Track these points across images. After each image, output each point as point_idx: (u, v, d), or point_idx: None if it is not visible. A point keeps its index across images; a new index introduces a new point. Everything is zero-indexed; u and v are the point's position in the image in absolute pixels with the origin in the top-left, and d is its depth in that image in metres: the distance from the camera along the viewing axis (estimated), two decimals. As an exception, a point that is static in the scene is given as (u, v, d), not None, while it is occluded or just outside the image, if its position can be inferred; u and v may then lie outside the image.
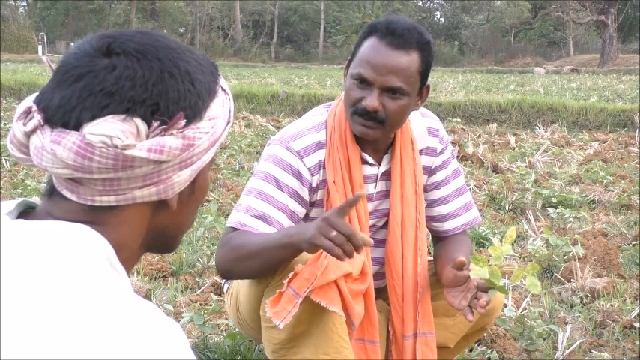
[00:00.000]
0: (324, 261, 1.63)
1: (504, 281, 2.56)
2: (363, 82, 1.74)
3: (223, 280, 2.08)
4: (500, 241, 1.68)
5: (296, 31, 55.74)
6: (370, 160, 1.88)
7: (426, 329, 1.89)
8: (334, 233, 1.47)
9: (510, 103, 11.67)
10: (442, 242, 2.03)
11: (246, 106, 12.30)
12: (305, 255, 1.63)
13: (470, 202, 2.06)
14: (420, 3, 60.78)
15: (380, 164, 1.91)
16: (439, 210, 2.02)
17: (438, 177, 2.01)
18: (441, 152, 2.00)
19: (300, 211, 1.84)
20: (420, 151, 1.96)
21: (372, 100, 1.73)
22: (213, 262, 3.34)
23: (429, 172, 2.00)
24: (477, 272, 1.63)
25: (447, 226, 2.03)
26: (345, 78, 1.84)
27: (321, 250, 1.55)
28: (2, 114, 9.56)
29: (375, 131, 1.78)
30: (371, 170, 1.90)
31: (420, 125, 1.96)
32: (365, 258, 1.79)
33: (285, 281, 1.64)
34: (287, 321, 1.61)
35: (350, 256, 1.49)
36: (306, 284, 1.61)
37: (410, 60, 1.73)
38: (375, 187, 1.92)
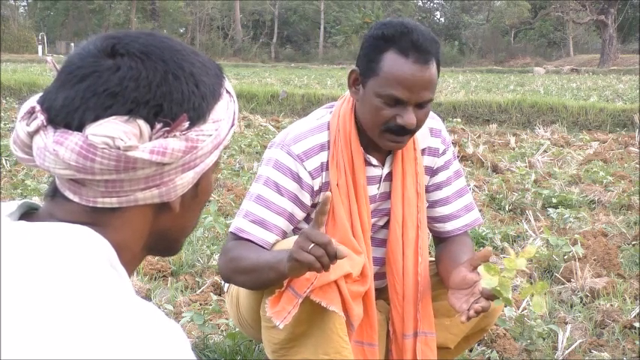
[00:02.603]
0: None
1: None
2: (395, 101, 1.73)
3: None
4: (517, 254, 1.66)
5: (296, 31, 55.71)
6: (374, 161, 1.88)
7: (426, 329, 1.90)
8: (311, 245, 1.46)
9: (510, 103, 11.66)
10: (444, 244, 2.03)
11: (246, 106, 12.30)
12: None
13: (471, 202, 2.06)
14: (420, 3, 60.77)
15: (384, 165, 1.91)
16: (440, 211, 2.02)
17: (440, 177, 2.01)
18: (443, 153, 2.00)
19: (300, 214, 1.84)
20: (423, 151, 1.96)
21: (410, 119, 1.72)
22: (214, 262, 3.34)
23: (431, 172, 2.00)
24: (488, 282, 1.62)
25: (449, 226, 2.03)
26: (352, 87, 1.81)
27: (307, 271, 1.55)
28: (2, 114, 9.56)
29: (405, 143, 1.81)
30: (375, 171, 1.90)
31: (423, 126, 1.96)
32: (365, 260, 1.79)
33: (285, 281, 1.64)
34: (287, 321, 1.61)
35: (327, 269, 1.49)
36: (306, 284, 1.61)
37: (433, 70, 1.73)
38: (379, 189, 1.92)
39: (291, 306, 1.62)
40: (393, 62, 1.70)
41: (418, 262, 1.91)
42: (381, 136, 1.78)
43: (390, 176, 1.92)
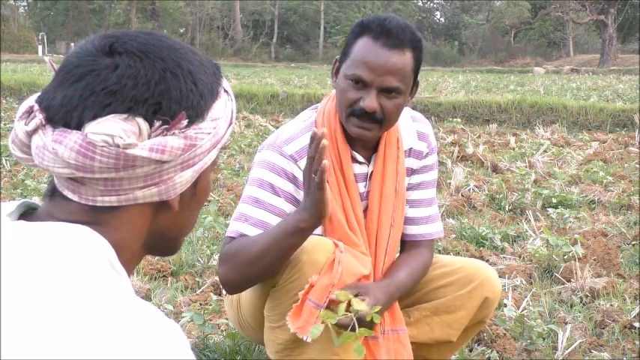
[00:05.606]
0: (339, 268, 1.66)
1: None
2: (359, 83, 1.74)
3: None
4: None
5: (296, 31, 55.77)
6: (360, 158, 1.88)
7: (397, 326, 1.88)
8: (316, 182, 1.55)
9: (510, 103, 11.67)
10: (402, 252, 2.01)
11: (246, 106, 12.31)
12: (317, 265, 1.66)
13: (436, 214, 2.03)
14: (420, 3, 60.82)
15: (369, 162, 1.91)
16: (406, 212, 1.99)
17: (415, 180, 1.99)
18: (425, 156, 1.99)
19: None
20: (408, 153, 1.96)
21: (370, 102, 1.73)
22: (214, 262, 3.34)
23: (411, 173, 1.99)
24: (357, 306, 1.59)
25: (412, 230, 1.99)
26: (334, 76, 1.83)
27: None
28: (2, 114, 9.56)
29: (372, 132, 1.79)
30: (360, 169, 1.89)
31: (410, 128, 1.96)
32: (371, 257, 1.80)
33: (301, 294, 1.64)
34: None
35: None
36: (324, 294, 1.63)
37: (405, 59, 1.73)
38: (365, 187, 1.91)
39: (314, 318, 1.62)
40: (362, 45, 1.74)
41: (385, 262, 1.91)
42: (348, 120, 1.79)
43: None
